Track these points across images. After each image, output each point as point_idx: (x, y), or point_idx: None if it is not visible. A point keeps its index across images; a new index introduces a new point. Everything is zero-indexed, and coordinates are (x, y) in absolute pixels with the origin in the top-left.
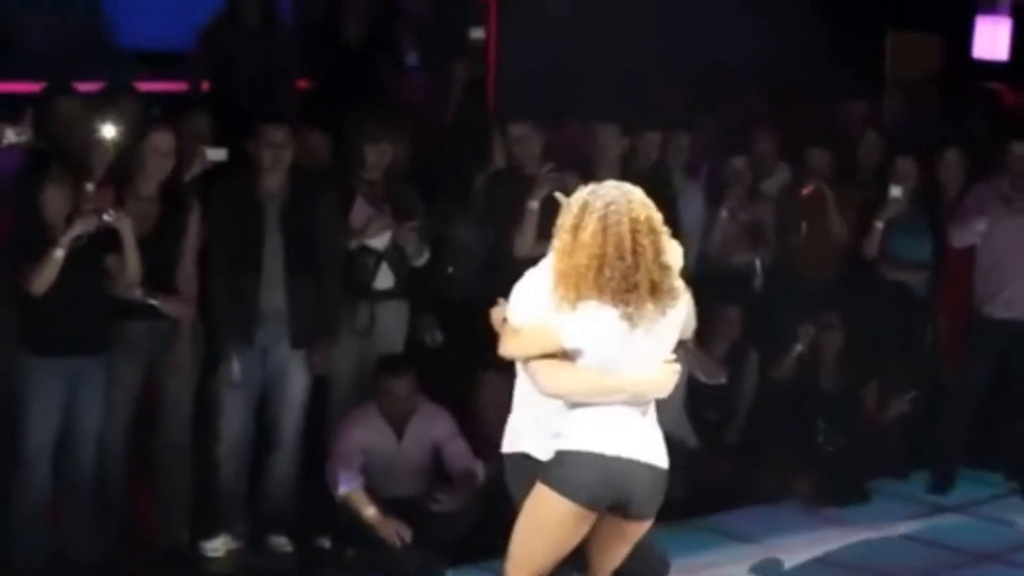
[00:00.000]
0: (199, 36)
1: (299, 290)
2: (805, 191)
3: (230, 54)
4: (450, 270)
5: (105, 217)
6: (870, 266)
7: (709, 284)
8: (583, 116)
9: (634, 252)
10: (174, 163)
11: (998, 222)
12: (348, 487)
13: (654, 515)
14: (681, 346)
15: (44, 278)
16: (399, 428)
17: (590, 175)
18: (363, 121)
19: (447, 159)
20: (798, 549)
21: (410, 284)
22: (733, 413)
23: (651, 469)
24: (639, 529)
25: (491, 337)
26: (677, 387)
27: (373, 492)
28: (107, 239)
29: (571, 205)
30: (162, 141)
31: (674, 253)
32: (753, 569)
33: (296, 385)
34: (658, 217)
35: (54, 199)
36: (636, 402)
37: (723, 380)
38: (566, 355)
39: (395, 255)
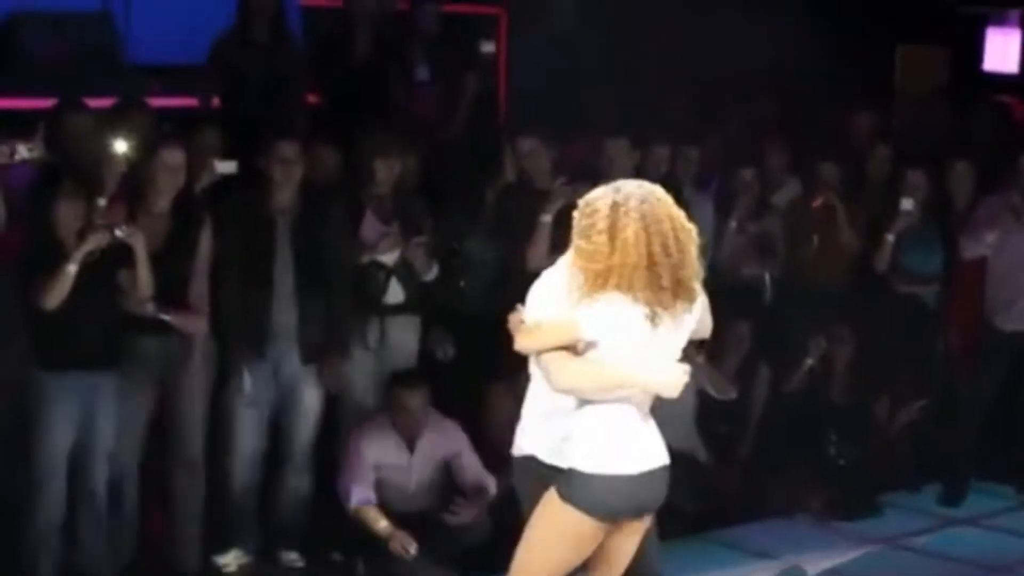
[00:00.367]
0: (209, 51)
1: (310, 305)
2: (815, 204)
3: (240, 69)
4: (462, 284)
5: (117, 232)
6: (881, 279)
7: (719, 297)
8: (593, 129)
9: (679, 249)
10: (185, 178)
11: (1009, 234)
12: (360, 501)
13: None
14: (692, 360)
15: (56, 293)
16: (411, 442)
17: None
18: (373, 136)
19: (458, 173)
20: (810, 562)
21: (422, 299)
22: (744, 426)
23: (663, 471)
24: (648, 522)
25: (503, 351)
26: (687, 401)
27: (384, 506)
28: (119, 254)
29: (595, 205)
30: (173, 157)
31: None
32: None
33: (307, 400)
34: (683, 213)
35: (66, 214)
36: (641, 402)
37: (734, 395)
38: (581, 348)
39: (405, 270)
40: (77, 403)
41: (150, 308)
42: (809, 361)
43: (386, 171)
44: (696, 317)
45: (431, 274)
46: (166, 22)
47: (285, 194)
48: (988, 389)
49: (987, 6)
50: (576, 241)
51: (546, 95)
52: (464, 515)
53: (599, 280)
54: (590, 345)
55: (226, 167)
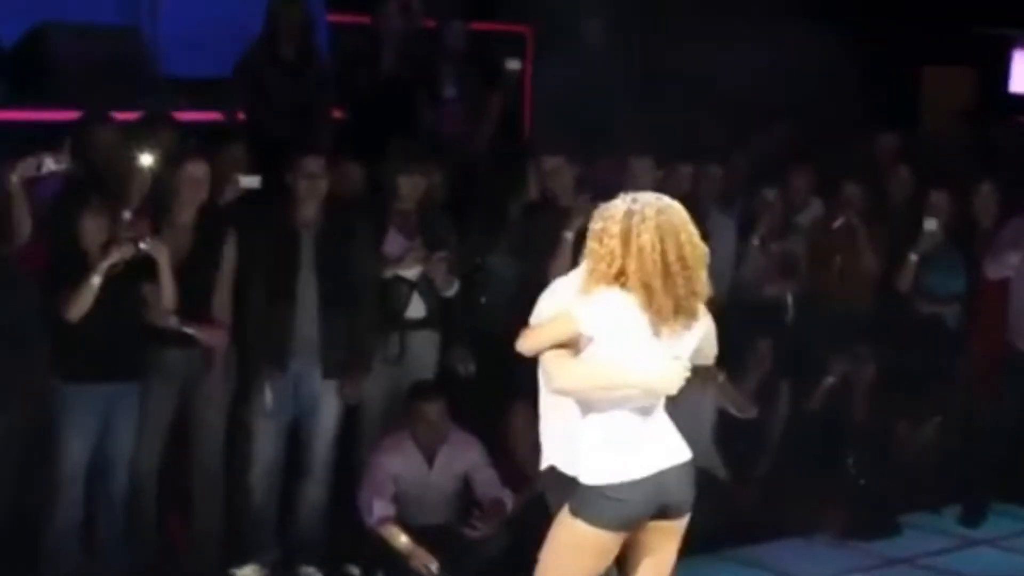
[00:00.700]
0: (236, 66)
1: (332, 320)
2: (837, 224)
3: (266, 84)
4: (483, 300)
5: (141, 245)
6: (903, 299)
7: (741, 316)
8: (618, 147)
9: (689, 265)
10: (209, 192)
11: None
12: (380, 516)
13: (692, 505)
14: (712, 378)
15: (80, 305)
16: (430, 456)
17: None
18: (398, 153)
19: (481, 190)
20: None
21: (443, 314)
22: (764, 445)
23: (680, 468)
24: (683, 523)
25: (523, 368)
26: (707, 418)
27: (403, 519)
28: (143, 267)
29: (610, 211)
30: (197, 170)
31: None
32: None
33: (328, 413)
34: (698, 231)
35: (91, 226)
36: (644, 407)
37: (754, 414)
38: (582, 345)
39: (427, 285)
40: (98, 413)
41: (173, 321)
42: (830, 380)
43: (410, 187)
44: (697, 337)
45: (452, 290)
46: (193, 35)
47: (309, 209)
48: (1009, 410)
49: (1014, 28)
50: (589, 244)
51: (572, 113)
52: (482, 529)
53: (610, 283)
54: (588, 341)
55: (250, 182)
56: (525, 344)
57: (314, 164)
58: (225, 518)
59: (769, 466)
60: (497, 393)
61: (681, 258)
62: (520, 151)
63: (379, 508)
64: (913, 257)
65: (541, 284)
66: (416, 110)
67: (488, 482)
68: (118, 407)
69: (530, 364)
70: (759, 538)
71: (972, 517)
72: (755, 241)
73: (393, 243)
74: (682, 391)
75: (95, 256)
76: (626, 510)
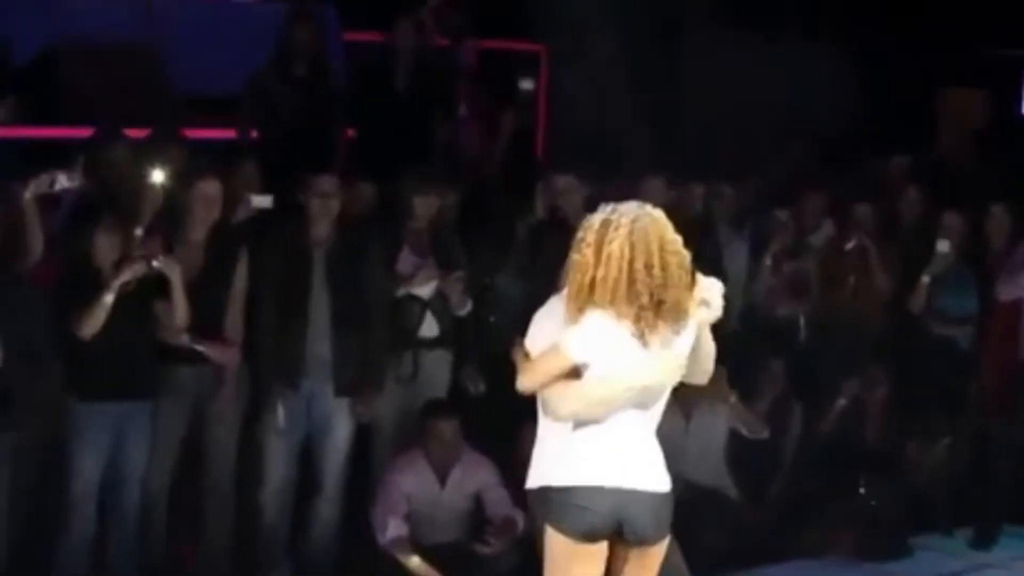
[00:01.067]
0: (248, 84)
1: (345, 338)
2: (848, 246)
3: (279, 103)
4: (492, 319)
5: (154, 263)
6: (915, 320)
7: (753, 336)
8: (631, 167)
9: (663, 268)
10: (222, 210)
11: None
12: (392, 535)
13: (665, 538)
14: (724, 399)
15: (93, 322)
16: (442, 475)
17: None
18: (412, 172)
19: (490, 209)
20: None
21: (455, 333)
22: (776, 466)
23: (649, 496)
24: (656, 554)
25: None
26: (719, 439)
27: (415, 537)
28: (155, 285)
29: (591, 221)
30: (209, 188)
31: (713, 289)
32: None
33: (340, 432)
34: (680, 239)
35: (104, 244)
36: (639, 424)
37: (766, 435)
38: (576, 372)
39: (440, 304)
40: (110, 430)
41: (185, 338)
42: (842, 402)
43: (425, 207)
44: (689, 342)
45: (466, 309)
46: (206, 53)
47: (322, 227)
48: (1022, 433)
49: None
50: (571, 255)
51: (586, 132)
52: (494, 546)
53: (582, 293)
54: (584, 367)
55: (262, 201)
56: (524, 383)
57: (327, 183)
58: (236, 536)
59: (781, 487)
60: (508, 412)
61: (648, 265)
62: (530, 171)
63: (392, 527)
64: (925, 278)
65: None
66: (429, 129)
67: (500, 501)
68: (130, 425)
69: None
70: (771, 558)
71: (984, 539)
72: (767, 261)
73: (406, 262)
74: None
75: (108, 274)
76: (586, 516)
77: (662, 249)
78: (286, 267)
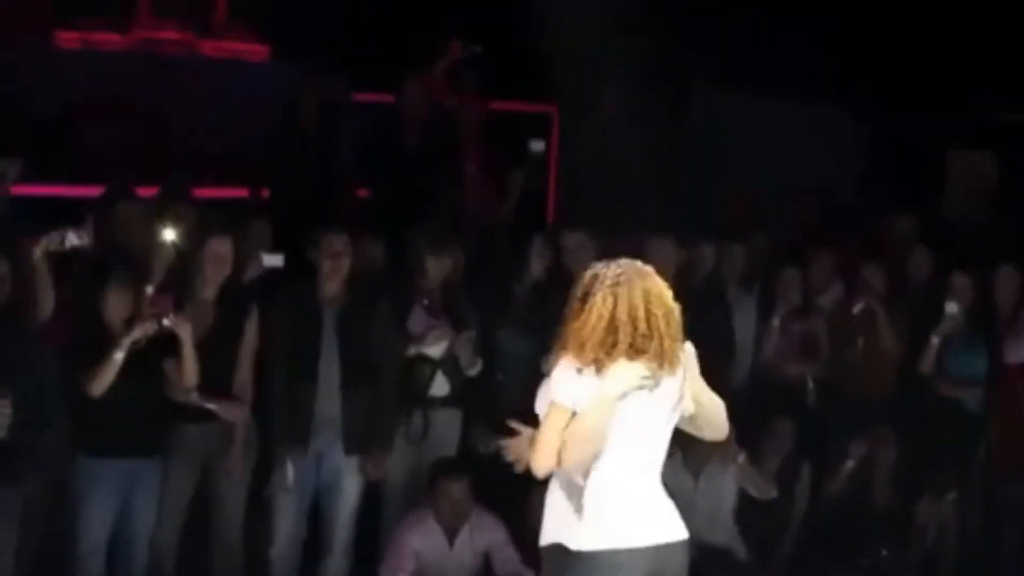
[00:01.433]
0: (260, 143)
1: (355, 397)
2: (857, 308)
3: (290, 161)
4: (499, 377)
5: (164, 322)
6: (924, 382)
7: (762, 397)
8: (642, 226)
9: (647, 319)
10: (232, 268)
11: None
12: None
13: None
14: (733, 459)
15: (102, 380)
16: (452, 534)
17: None
18: (425, 232)
19: (497, 268)
20: None
21: (465, 393)
22: (784, 527)
23: (681, 544)
24: None
25: None
26: (727, 499)
27: None
28: (165, 343)
29: (582, 275)
30: (220, 246)
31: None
32: None
33: (349, 491)
34: (670, 294)
35: (114, 302)
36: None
37: (774, 495)
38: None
39: (451, 363)
40: (118, 488)
41: (194, 396)
42: (851, 463)
43: (437, 268)
44: (677, 386)
45: (476, 369)
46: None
47: (333, 286)
48: None
49: None
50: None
51: (596, 192)
52: None
53: (576, 346)
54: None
55: (273, 260)
56: (539, 462)
57: (338, 242)
58: None
59: (790, 547)
60: (518, 472)
61: (632, 316)
62: (542, 231)
63: None
64: (935, 340)
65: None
66: (439, 189)
67: (509, 561)
68: (139, 482)
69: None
70: None
71: None
72: (776, 321)
73: (417, 321)
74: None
75: (118, 332)
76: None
77: (647, 301)
78: (297, 325)
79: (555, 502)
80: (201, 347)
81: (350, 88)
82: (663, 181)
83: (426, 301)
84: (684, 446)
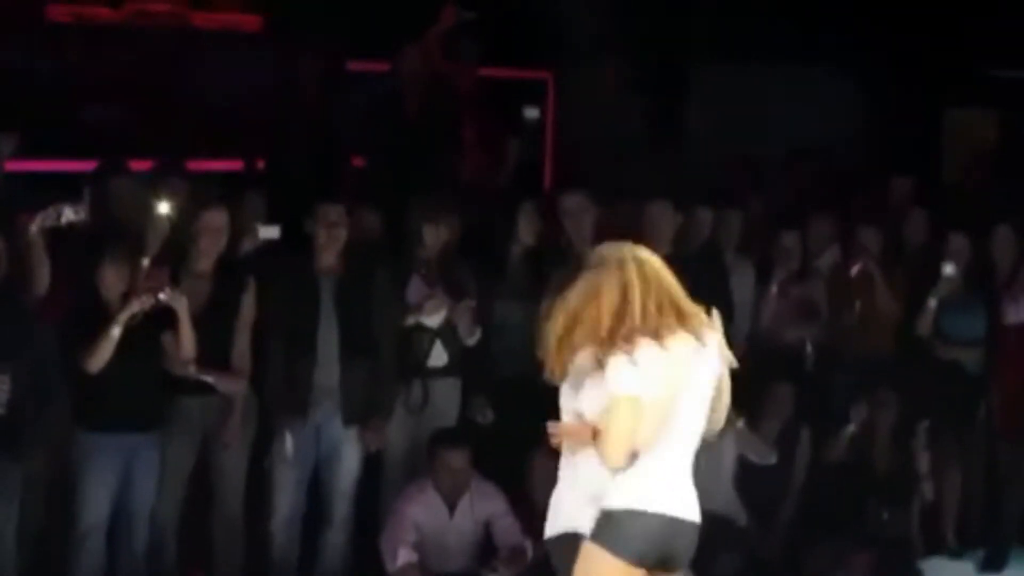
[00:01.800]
0: (255, 114)
1: (353, 368)
2: (854, 270)
3: (286, 132)
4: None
5: (161, 296)
6: (923, 344)
7: (760, 361)
8: (638, 193)
9: (676, 293)
10: (228, 240)
11: None
12: (402, 563)
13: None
14: (732, 424)
15: (100, 356)
16: (452, 503)
17: None
18: (422, 201)
19: (493, 237)
20: None
21: (464, 362)
22: (785, 492)
23: (694, 526)
24: None
25: (541, 414)
26: (727, 465)
27: (425, 567)
28: (162, 316)
29: (593, 263)
30: (215, 219)
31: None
32: None
33: (349, 461)
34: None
35: (110, 277)
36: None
37: (774, 460)
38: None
39: (449, 333)
40: (118, 463)
41: (192, 370)
42: (851, 427)
43: (434, 236)
44: (715, 356)
45: (475, 338)
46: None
47: (330, 256)
48: None
49: None
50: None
51: (592, 158)
52: (503, 574)
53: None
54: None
55: (269, 232)
56: (617, 456)
57: (334, 212)
58: (246, 566)
59: (791, 513)
60: (517, 441)
61: (667, 294)
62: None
63: (402, 555)
64: (932, 302)
65: None
66: (436, 157)
67: (509, 529)
68: (139, 456)
69: (552, 414)
70: None
71: (994, 562)
72: (774, 286)
73: (415, 291)
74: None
75: (115, 307)
76: (643, 544)
77: (665, 275)
78: (294, 297)
79: (564, 492)
80: (198, 320)
81: (345, 57)
82: (660, 147)
83: (423, 270)
84: None
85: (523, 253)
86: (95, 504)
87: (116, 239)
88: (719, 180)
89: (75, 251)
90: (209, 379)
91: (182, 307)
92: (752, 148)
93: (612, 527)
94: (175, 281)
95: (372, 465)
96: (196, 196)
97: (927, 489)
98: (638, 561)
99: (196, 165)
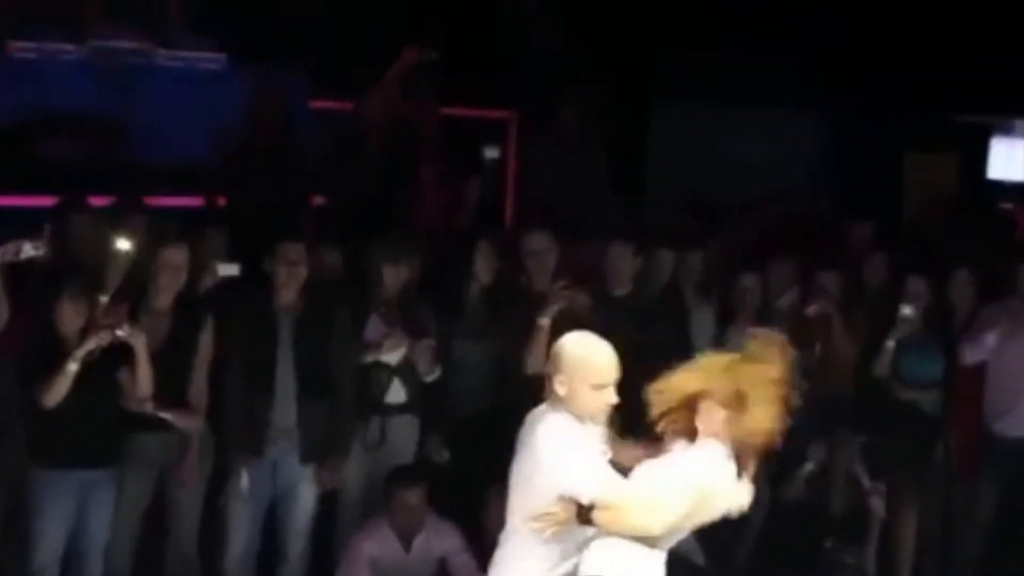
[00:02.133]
0: (216, 152)
1: (310, 406)
2: (811, 311)
3: (247, 170)
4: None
5: (119, 332)
6: (880, 385)
7: None
8: (599, 233)
9: None
10: (187, 278)
11: (1009, 339)
12: None
13: None
14: None
15: (56, 391)
16: (407, 541)
17: (602, 293)
18: (381, 241)
19: (454, 276)
20: None
21: (421, 399)
22: (743, 532)
23: None
24: None
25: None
26: None
27: None
28: (120, 353)
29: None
30: (175, 256)
31: None
32: None
33: (305, 499)
34: None
35: (68, 313)
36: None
37: None
38: None
39: (408, 370)
40: (73, 499)
41: (149, 407)
42: (809, 466)
43: (394, 276)
44: None
45: (434, 375)
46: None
47: (289, 294)
48: (987, 498)
49: (993, 115)
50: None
51: (554, 198)
52: None
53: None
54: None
55: (229, 269)
56: (655, 524)
57: (293, 251)
58: None
59: (748, 552)
60: (474, 478)
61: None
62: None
63: None
64: (890, 343)
65: (515, 370)
66: (396, 197)
67: (465, 567)
68: (94, 493)
69: (505, 451)
70: None
71: None
72: (734, 328)
73: (374, 330)
74: None
75: (72, 343)
76: None
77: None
78: (252, 334)
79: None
80: (156, 357)
81: (308, 96)
82: (621, 188)
83: (383, 310)
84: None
85: (480, 292)
86: (50, 540)
87: (75, 275)
88: (680, 222)
89: (34, 287)
90: (166, 416)
91: (140, 344)
92: (713, 190)
93: None
94: (133, 318)
95: (328, 502)
96: (155, 233)
97: (883, 530)
98: None
99: (156, 201)
